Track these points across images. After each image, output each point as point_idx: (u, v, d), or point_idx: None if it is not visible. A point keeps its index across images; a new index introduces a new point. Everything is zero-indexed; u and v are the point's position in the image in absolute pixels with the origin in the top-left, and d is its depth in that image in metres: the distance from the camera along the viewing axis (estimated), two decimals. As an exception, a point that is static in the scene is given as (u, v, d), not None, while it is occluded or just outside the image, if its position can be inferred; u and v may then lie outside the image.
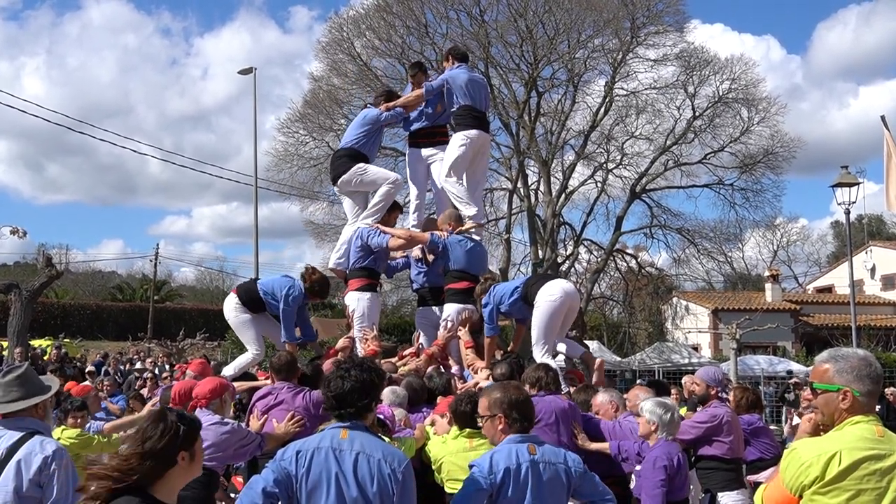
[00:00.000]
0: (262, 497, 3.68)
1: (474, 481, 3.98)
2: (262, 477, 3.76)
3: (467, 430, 5.42)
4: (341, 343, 8.41)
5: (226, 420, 5.79)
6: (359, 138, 9.11)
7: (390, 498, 3.71)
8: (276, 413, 6.37)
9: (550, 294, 7.62)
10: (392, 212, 9.20)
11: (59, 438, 6.16)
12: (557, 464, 4.15)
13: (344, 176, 8.97)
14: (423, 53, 30.08)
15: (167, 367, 23.04)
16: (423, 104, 9.36)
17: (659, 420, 5.72)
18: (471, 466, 4.11)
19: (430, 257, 8.93)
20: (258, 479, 3.77)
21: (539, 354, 7.39)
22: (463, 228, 8.69)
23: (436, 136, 9.50)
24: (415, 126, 9.50)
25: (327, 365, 7.21)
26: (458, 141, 8.88)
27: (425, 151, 9.46)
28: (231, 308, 8.50)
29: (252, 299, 8.38)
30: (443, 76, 9.13)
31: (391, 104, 9.22)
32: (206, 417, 5.77)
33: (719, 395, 7.10)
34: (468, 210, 8.73)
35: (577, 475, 4.17)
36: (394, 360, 8.37)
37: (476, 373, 7.63)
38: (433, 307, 8.99)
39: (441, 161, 9.24)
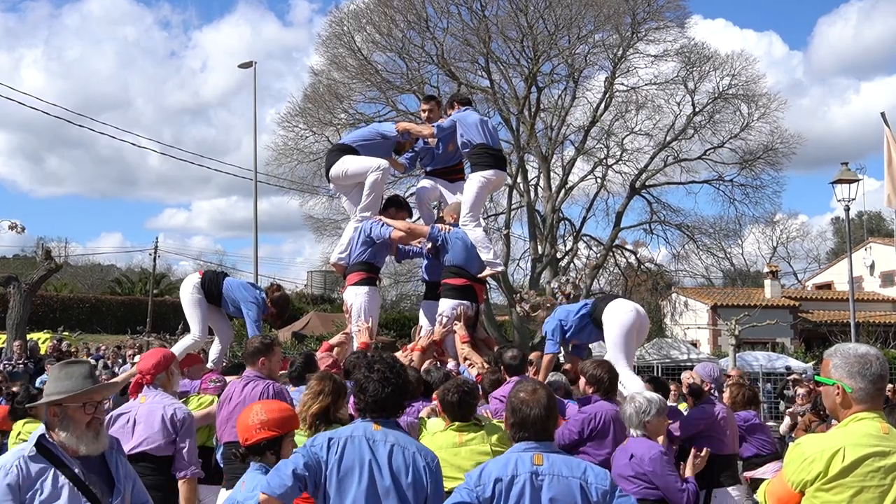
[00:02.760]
0: (293, 479, 3.63)
1: (459, 493, 3.61)
2: (292, 460, 3.73)
3: (456, 423, 5.30)
4: (337, 338, 8.40)
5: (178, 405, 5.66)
6: (356, 139, 9.11)
7: (424, 490, 3.71)
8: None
9: (623, 312, 7.55)
10: (400, 211, 9.18)
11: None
12: (571, 478, 3.62)
13: (333, 169, 8.98)
14: (423, 48, 30.07)
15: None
16: (435, 144, 9.33)
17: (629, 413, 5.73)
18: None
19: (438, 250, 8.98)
20: (287, 462, 3.74)
21: (623, 372, 7.16)
22: (483, 274, 8.72)
23: (452, 174, 9.57)
24: (429, 168, 9.58)
25: (322, 359, 7.23)
26: (476, 182, 8.71)
27: (440, 183, 9.53)
28: (190, 285, 8.56)
29: (212, 291, 8.42)
30: (452, 117, 8.97)
31: (403, 126, 9.18)
32: (155, 397, 5.63)
33: (711, 392, 7.11)
34: (485, 255, 8.66)
35: (601, 494, 3.61)
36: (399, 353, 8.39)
37: (472, 367, 7.65)
38: (437, 302, 9.01)
39: (453, 195, 9.34)
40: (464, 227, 8.65)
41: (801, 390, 12.54)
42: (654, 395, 5.91)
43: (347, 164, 8.87)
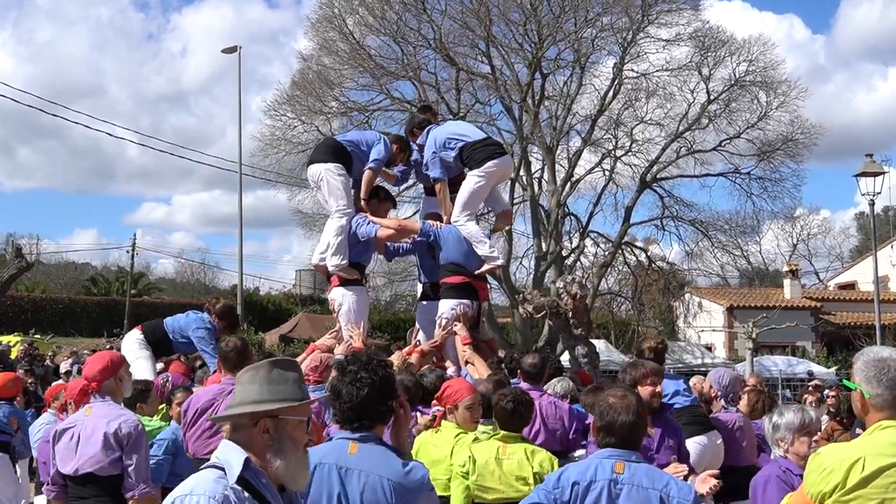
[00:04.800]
0: None
1: (537, 493, 3.74)
2: None
3: (503, 432, 5.31)
4: (326, 341, 8.39)
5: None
6: (351, 142, 9.06)
7: None
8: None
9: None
10: (383, 203, 9.22)
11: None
12: (651, 489, 3.68)
13: (313, 167, 8.97)
14: (419, 31, 30.04)
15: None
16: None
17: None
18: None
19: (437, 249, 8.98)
20: None
21: None
22: (482, 270, 8.70)
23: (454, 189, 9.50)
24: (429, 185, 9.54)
25: (306, 362, 7.24)
26: (474, 180, 8.68)
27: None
28: (132, 341, 8.59)
29: (158, 338, 8.42)
30: (428, 147, 8.90)
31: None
32: (101, 408, 5.36)
33: (717, 399, 7.13)
34: (482, 249, 8.66)
35: None
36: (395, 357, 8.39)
37: (475, 371, 7.64)
38: (434, 303, 9.02)
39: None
40: (456, 224, 8.65)
41: (809, 397, 12.47)
42: None
43: (327, 182, 8.80)
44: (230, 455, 2.87)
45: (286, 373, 3.00)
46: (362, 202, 8.94)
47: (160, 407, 7.14)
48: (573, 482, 3.70)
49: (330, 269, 8.86)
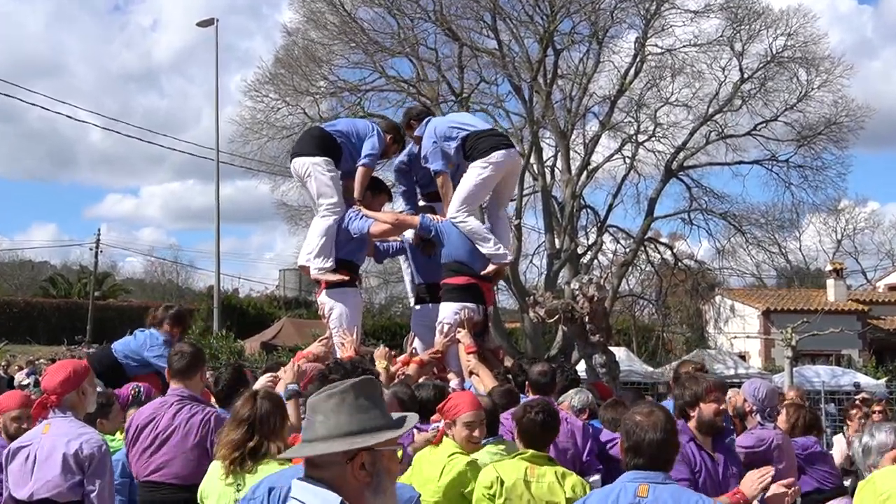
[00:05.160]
0: None
1: None
2: None
3: (530, 451, 5.30)
4: (316, 348, 8.37)
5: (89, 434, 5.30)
6: (341, 132, 9.05)
7: None
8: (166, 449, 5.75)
9: None
10: (377, 196, 9.21)
11: None
12: None
13: (297, 160, 8.98)
14: (418, 2, 29.99)
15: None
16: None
17: None
18: None
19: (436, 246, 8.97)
20: None
21: None
22: (489, 270, 8.70)
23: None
24: (430, 190, 9.55)
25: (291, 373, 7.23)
26: (476, 171, 8.63)
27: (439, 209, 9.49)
28: None
29: (107, 367, 8.36)
30: (424, 143, 8.91)
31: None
32: (61, 425, 5.26)
33: (752, 414, 7.09)
34: (486, 247, 8.63)
35: None
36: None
37: (480, 384, 7.63)
38: (431, 306, 9.00)
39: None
40: (454, 221, 8.61)
41: (854, 412, 12.41)
42: None
43: (314, 178, 8.81)
44: (318, 498, 2.78)
45: (373, 395, 2.93)
46: (356, 202, 8.94)
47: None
48: None
49: (312, 272, 8.91)
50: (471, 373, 7.92)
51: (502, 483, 5.16)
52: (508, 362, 8.66)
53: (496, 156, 8.62)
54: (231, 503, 4.56)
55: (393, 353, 8.47)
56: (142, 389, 7.47)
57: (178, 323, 8.49)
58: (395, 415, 2.95)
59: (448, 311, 8.50)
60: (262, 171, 32.63)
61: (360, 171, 8.93)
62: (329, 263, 8.76)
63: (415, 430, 6.06)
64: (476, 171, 8.64)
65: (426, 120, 9.11)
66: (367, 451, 2.79)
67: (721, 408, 5.71)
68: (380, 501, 2.81)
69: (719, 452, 5.67)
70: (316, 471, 2.82)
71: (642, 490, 3.89)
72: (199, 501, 4.84)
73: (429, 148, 8.84)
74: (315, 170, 8.80)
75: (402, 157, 9.64)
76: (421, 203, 9.74)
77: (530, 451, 5.27)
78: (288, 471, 3.83)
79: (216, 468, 4.73)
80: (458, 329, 8.33)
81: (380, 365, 7.87)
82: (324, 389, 2.93)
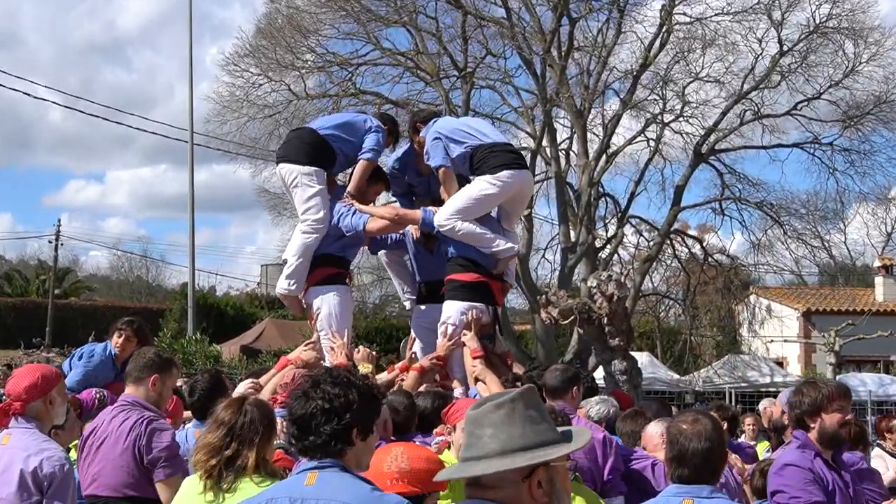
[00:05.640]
0: None
1: None
2: None
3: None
4: (305, 354, 8.39)
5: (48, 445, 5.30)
6: (331, 130, 9.11)
7: None
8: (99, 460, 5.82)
9: None
10: (374, 184, 9.25)
11: None
12: None
13: (285, 167, 9.05)
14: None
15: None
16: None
17: None
18: None
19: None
20: None
21: None
22: (499, 270, 8.75)
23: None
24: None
25: (276, 379, 7.27)
26: (481, 185, 8.61)
27: None
28: None
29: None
30: (431, 137, 8.90)
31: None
32: (22, 436, 5.27)
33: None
34: (490, 246, 8.61)
35: None
36: (385, 375, 8.41)
37: (484, 387, 7.65)
38: (433, 305, 9.03)
39: None
40: (442, 229, 8.56)
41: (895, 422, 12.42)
42: None
43: (303, 189, 8.90)
44: None
45: (540, 405, 2.98)
46: (347, 195, 8.99)
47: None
48: None
49: (277, 290, 9.15)
50: (476, 379, 7.94)
51: None
52: (518, 369, 8.68)
53: (505, 175, 8.57)
54: None
55: (389, 357, 8.51)
56: (106, 395, 7.52)
57: (136, 335, 8.63)
58: (560, 429, 2.99)
59: (453, 310, 8.51)
60: (242, 154, 32.69)
61: (361, 163, 9.00)
62: (293, 288, 8.95)
63: (423, 440, 6.12)
64: (480, 185, 8.62)
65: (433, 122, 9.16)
66: (544, 468, 2.81)
67: (847, 417, 5.66)
68: None
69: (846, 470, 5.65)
70: (485, 492, 2.82)
71: None
72: None
73: (429, 143, 8.85)
74: (303, 181, 8.89)
75: (394, 162, 9.68)
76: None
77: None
78: (275, 488, 3.87)
79: (192, 483, 4.71)
80: (464, 331, 8.36)
81: (363, 369, 7.91)
82: (487, 400, 2.96)
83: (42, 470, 5.13)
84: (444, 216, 8.53)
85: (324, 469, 3.67)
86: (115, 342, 8.56)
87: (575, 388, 6.97)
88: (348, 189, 9.00)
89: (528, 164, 29.07)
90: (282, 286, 9.05)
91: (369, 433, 3.81)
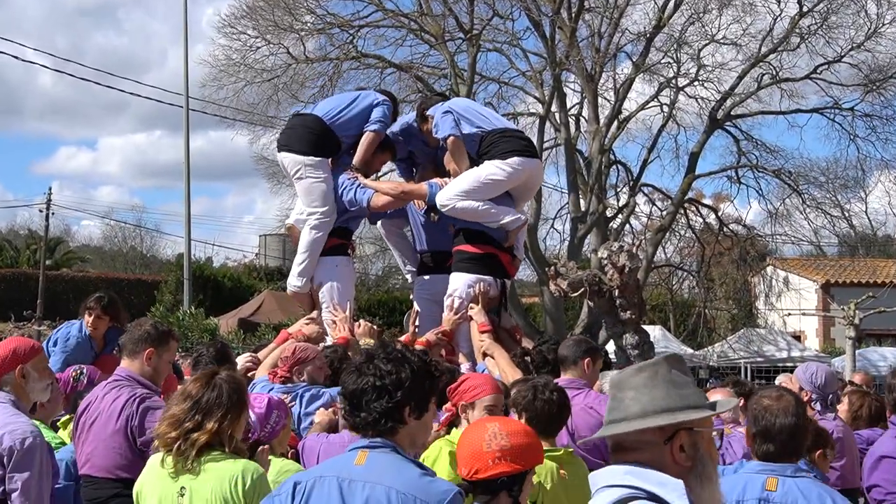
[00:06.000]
0: None
1: None
2: None
3: (564, 450, 5.33)
4: (307, 328, 8.41)
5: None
6: (332, 113, 9.10)
7: None
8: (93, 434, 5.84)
9: None
10: (381, 153, 9.23)
11: None
12: None
13: (291, 157, 9.04)
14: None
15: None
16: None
17: None
18: None
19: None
20: None
21: None
22: (510, 241, 8.81)
23: None
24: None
25: (276, 353, 7.29)
26: (489, 169, 8.64)
27: None
28: None
29: None
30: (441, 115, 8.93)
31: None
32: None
33: (811, 404, 7.13)
34: (497, 220, 8.63)
35: None
36: None
37: (494, 367, 7.66)
38: (437, 276, 9.05)
39: None
40: (444, 209, 8.61)
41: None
42: None
43: (307, 180, 8.95)
44: (660, 484, 2.81)
45: (685, 370, 3.05)
46: (352, 167, 8.98)
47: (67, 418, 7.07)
48: None
49: (288, 289, 9.21)
50: (484, 354, 7.97)
51: (544, 490, 5.12)
52: (527, 343, 8.70)
53: (515, 161, 8.64)
54: None
55: (392, 331, 8.51)
56: (84, 371, 7.50)
57: (105, 311, 8.64)
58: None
59: (460, 282, 8.55)
60: (239, 120, 32.63)
61: (368, 135, 9.02)
62: (302, 284, 8.98)
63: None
64: (488, 169, 8.64)
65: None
66: (686, 431, 2.87)
67: None
68: (707, 492, 2.87)
69: None
70: (627, 455, 2.90)
71: (770, 484, 4.25)
72: (135, 501, 4.79)
73: (440, 116, 8.84)
74: (307, 172, 8.93)
75: (398, 129, 9.68)
76: None
77: (563, 449, 5.28)
78: (325, 465, 3.99)
79: (157, 459, 4.70)
80: (472, 305, 8.38)
81: (341, 336, 7.94)
82: (632, 367, 3.06)
83: (2, 444, 5.16)
84: (447, 196, 8.56)
85: (375, 449, 3.76)
86: (87, 321, 8.59)
87: (587, 359, 6.88)
88: (354, 162, 8.99)
89: (537, 130, 29.21)
90: (293, 284, 9.08)
91: (425, 411, 3.88)
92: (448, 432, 5.73)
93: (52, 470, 5.39)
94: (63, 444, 6.64)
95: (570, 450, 5.43)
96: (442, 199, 8.56)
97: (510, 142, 8.74)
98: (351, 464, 3.75)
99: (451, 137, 8.73)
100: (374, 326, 8.53)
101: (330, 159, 9.07)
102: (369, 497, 3.65)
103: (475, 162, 8.81)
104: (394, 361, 3.81)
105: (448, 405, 5.90)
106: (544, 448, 5.08)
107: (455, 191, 8.55)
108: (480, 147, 8.75)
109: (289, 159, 9.05)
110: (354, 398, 3.80)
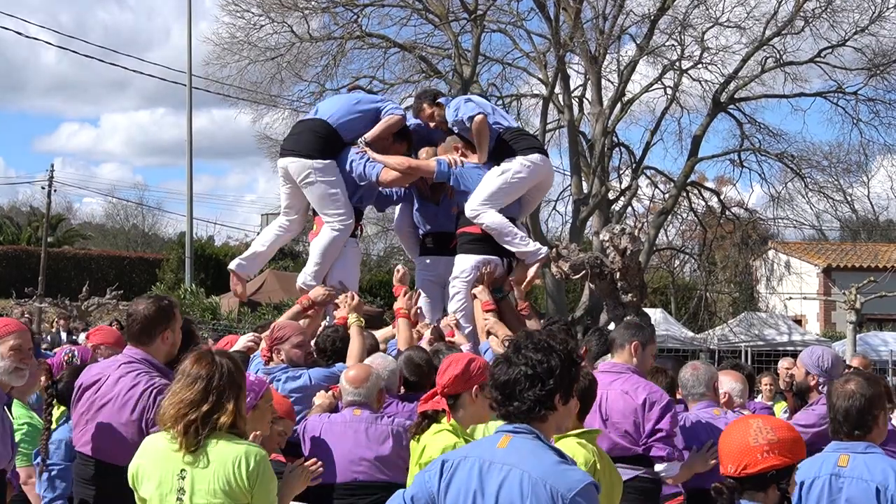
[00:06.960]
0: None
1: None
2: (403, 491, 4.11)
3: (585, 429, 5.25)
4: (314, 291, 8.35)
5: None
6: (342, 117, 9.05)
7: None
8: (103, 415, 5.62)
9: None
10: (399, 142, 9.17)
11: None
12: (869, 481, 4.65)
13: (299, 162, 8.97)
14: None
15: (65, 335, 23.19)
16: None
17: None
18: None
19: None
20: (398, 493, 4.12)
21: None
22: (529, 277, 8.87)
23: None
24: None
25: (284, 330, 7.30)
26: (514, 167, 8.66)
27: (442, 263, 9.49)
28: None
29: None
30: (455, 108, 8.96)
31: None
32: None
33: (819, 388, 7.12)
34: (516, 244, 8.68)
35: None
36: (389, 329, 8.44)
37: (496, 341, 7.67)
38: (439, 258, 9.06)
39: None
40: (473, 218, 8.61)
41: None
42: None
43: (319, 185, 8.91)
44: None
45: None
46: (362, 141, 8.94)
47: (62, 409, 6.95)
48: (801, 480, 4.55)
49: (298, 283, 9.13)
50: (488, 333, 7.99)
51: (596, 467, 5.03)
52: (535, 323, 8.73)
53: (536, 157, 8.72)
54: (173, 492, 4.39)
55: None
56: (76, 354, 7.42)
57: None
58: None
59: (466, 263, 8.58)
60: (243, 98, 32.63)
61: (388, 118, 8.99)
62: (315, 283, 8.86)
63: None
64: (514, 167, 8.69)
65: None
66: None
67: None
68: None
69: None
70: None
71: (842, 460, 4.71)
72: (131, 485, 4.61)
73: (462, 103, 8.86)
74: (318, 176, 8.87)
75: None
76: None
77: (585, 430, 5.22)
78: (471, 447, 4.13)
79: (157, 440, 4.57)
80: (475, 285, 8.42)
81: (341, 315, 7.86)
82: None
83: None
84: (474, 204, 8.57)
85: (518, 434, 3.86)
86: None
87: (634, 343, 6.56)
88: (366, 136, 8.94)
89: (541, 111, 29.22)
90: (306, 283, 8.98)
91: (570, 398, 3.97)
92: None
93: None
94: (31, 426, 6.59)
95: (587, 431, 5.33)
96: (471, 207, 8.57)
97: (528, 139, 8.94)
98: (494, 447, 3.88)
99: (480, 115, 8.69)
100: (359, 300, 8.33)
101: (335, 162, 8.98)
102: (504, 479, 3.77)
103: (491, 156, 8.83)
104: (543, 350, 3.89)
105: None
106: (594, 430, 5.37)
107: (481, 197, 8.56)
108: (499, 141, 8.77)
109: (295, 165, 8.94)
110: (507, 388, 3.88)
